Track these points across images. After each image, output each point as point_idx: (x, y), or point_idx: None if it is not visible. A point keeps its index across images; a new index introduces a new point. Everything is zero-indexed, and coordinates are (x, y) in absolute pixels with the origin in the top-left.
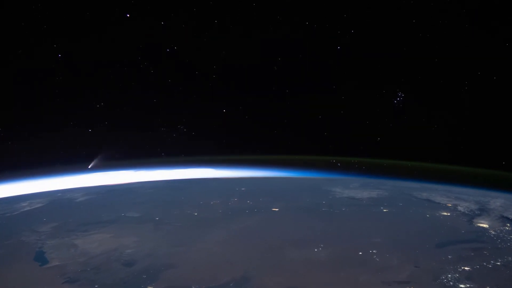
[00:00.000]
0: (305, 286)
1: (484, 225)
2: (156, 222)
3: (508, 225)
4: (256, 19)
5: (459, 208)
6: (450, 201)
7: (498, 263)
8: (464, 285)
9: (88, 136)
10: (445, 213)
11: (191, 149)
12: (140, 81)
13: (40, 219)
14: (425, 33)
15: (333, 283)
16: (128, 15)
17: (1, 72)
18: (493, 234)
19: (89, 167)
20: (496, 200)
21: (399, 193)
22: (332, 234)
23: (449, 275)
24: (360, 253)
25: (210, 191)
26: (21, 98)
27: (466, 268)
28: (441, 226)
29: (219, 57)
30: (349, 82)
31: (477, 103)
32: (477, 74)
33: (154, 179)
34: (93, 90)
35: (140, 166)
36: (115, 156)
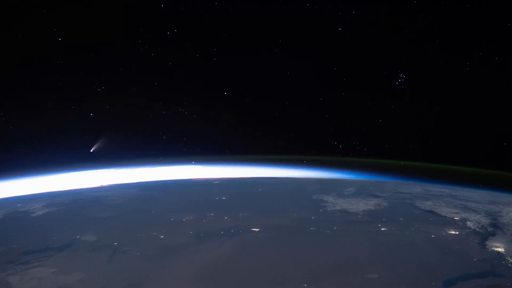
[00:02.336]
0: None
1: (500, 249)
2: (113, 250)
3: None
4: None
5: (468, 223)
6: (457, 212)
7: None
8: None
9: (90, 120)
10: (453, 232)
11: (192, 132)
12: (140, 65)
13: None
14: (426, 13)
15: None
16: None
17: (0, 57)
18: (511, 263)
19: (92, 150)
20: (509, 209)
21: (400, 203)
22: (319, 267)
23: None
24: None
25: (187, 201)
26: (21, 83)
27: None
28: (449, 252)
29: (219, 39)
30: (350, 64)
31: (479, 86)
32: (479, 55)
33: (132, 180)
34: (94, 74)
35: (133, 160)
36: (117, 140)
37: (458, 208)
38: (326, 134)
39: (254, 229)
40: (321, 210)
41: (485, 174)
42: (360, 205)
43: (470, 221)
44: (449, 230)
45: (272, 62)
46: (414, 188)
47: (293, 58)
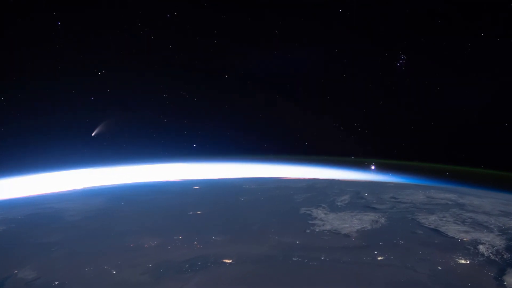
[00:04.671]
0: None
1: None
2: None
3: None
4: None
5: (481, 248)
6: (467, 231)
7: None
8: None
9: (91, 104)
10: (463, 261)
11: (193, 116)
12: (140, 48)
13: None
14: None
15: None
16: None
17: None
18: None
19: (93, 134)
20: None
21: (400, 218)
22: None
23: None
24: None
25: (155, 217)
26: (21, 67)
27: None
28: None
29: (219, 22)
30: (351, 45)
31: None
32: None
33: (109, 183)
34: (94, 57)
35: (129, 151)
36: (119, 124)
37: (467, 224)
38: (327, 116)
39: (226, 261)
40: (308, 231)
41: (492, 174)
42: (354, 223)
43: (482, 243)
44: (459, 259)
45: (271, 45)
46: (416, 194)
47: (292, 41)
